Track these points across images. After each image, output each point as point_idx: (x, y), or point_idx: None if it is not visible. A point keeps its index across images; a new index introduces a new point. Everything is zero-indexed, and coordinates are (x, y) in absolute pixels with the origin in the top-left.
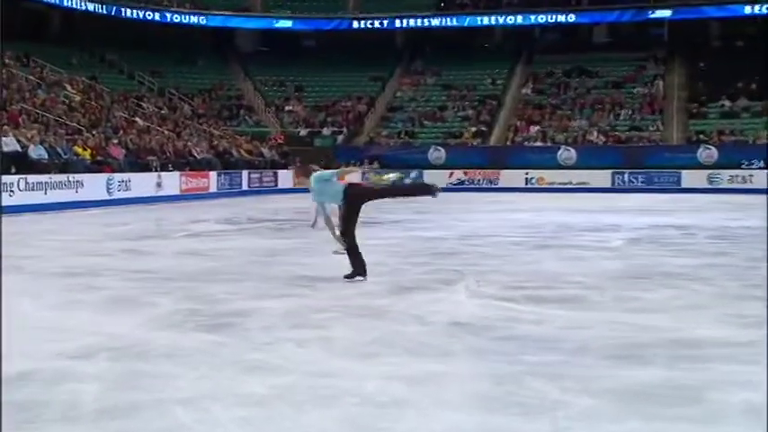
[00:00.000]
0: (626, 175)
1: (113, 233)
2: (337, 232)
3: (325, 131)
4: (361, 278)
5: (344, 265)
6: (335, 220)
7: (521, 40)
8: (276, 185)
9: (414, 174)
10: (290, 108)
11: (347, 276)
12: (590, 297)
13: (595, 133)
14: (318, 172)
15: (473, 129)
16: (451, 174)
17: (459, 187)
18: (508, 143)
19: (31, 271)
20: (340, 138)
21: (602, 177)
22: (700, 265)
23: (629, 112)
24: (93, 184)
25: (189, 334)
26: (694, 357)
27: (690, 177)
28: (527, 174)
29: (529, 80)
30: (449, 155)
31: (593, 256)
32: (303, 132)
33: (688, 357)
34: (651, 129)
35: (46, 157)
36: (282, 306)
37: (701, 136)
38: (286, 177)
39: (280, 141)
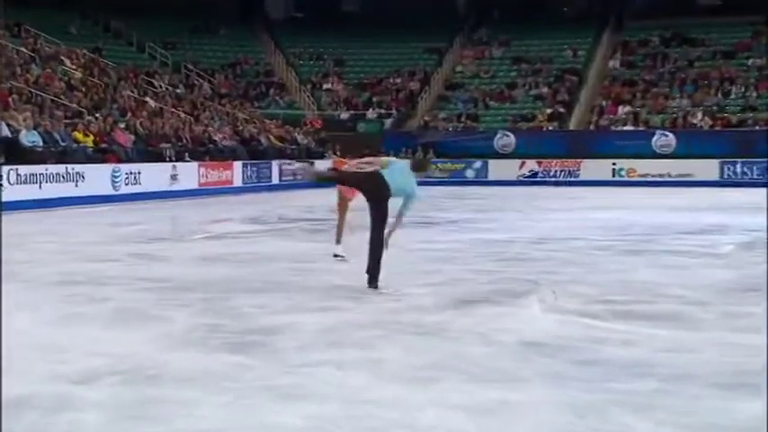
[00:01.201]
0: (737, 166)
1: (120, 234)
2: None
3: (371, 114)
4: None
5: (388, 272)
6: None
7: (608, 3)
8: None
9: (477, 164)
10: (329, 86)
11: (374, 286)
12: (692, 313)
13: (699, 115)
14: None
15: (549, 110)
16: (523, 164)
17: (531, 180)
18: (591, 127)
19: (25, 279)
20: (388, 122)
21: (707, 168)
22: None
23: (742, 89)
24: (97, 177)
25: (210, 354)
26: None
27: None
28: (614, 164)
29: (617, 51)
30: (519, 142)
31: (695, 263)
32: (344, 115)
33: None
34: None
35: (41, 144)
36: (320, 321)
37: None
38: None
39: (317, 126)
